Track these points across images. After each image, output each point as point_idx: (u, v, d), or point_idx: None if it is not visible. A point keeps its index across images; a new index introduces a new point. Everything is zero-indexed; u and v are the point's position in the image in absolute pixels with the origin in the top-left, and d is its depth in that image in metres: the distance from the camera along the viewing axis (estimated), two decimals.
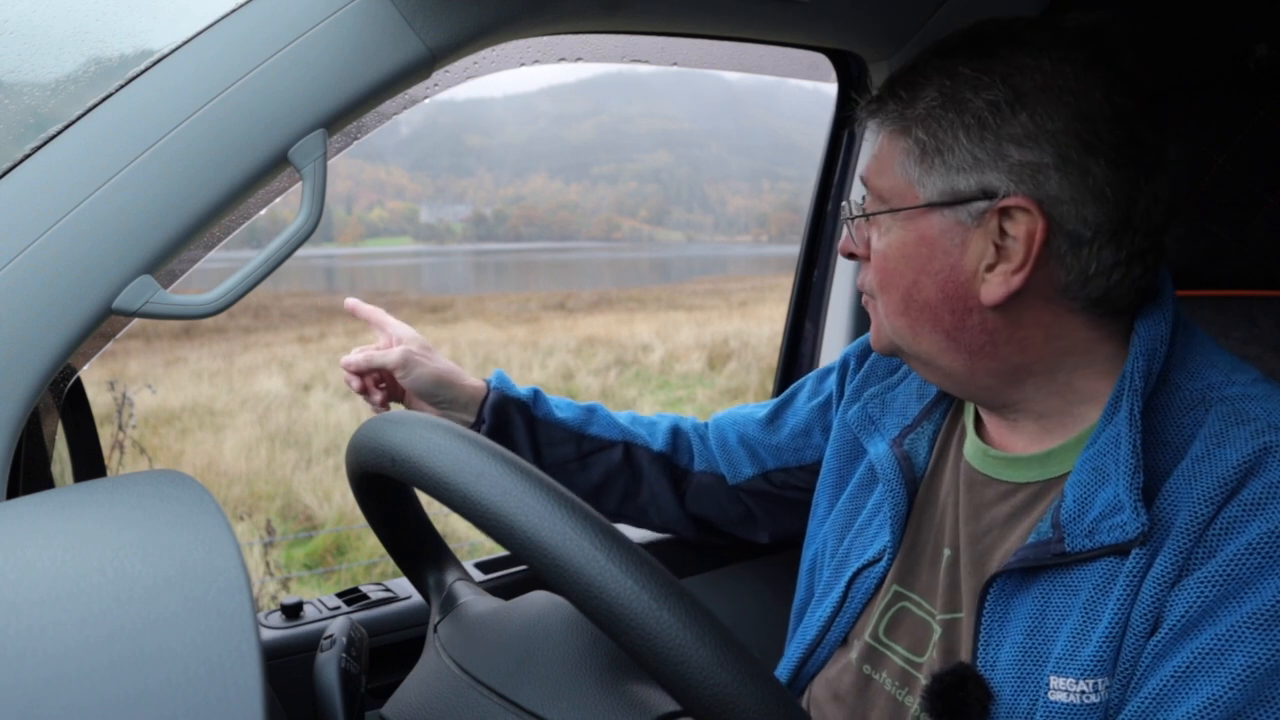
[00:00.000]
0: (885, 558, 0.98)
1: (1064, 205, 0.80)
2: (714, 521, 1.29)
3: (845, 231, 0.96)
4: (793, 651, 1.05)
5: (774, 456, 1.23)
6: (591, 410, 1.26)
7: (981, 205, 0.82)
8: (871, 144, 0.93)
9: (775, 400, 1.27)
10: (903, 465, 0.99)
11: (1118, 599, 0.76)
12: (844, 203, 0.96)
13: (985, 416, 0.95)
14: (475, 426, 1.18)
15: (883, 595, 0.97)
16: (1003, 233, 0.82)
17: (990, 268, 0.83)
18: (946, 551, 0.92)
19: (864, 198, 0.93)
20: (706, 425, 1.30)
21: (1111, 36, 0.83)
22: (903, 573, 0.97)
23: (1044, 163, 0.80)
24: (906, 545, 0.97)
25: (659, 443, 1.26)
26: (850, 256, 0.96)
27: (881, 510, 1.01)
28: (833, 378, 1.19)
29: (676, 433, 1.28)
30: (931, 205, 0.84)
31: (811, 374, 1.26)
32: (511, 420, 1.19)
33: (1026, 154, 0.80)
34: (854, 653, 0.98)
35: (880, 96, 0.89)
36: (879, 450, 1.02)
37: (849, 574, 1.00)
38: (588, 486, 1.24)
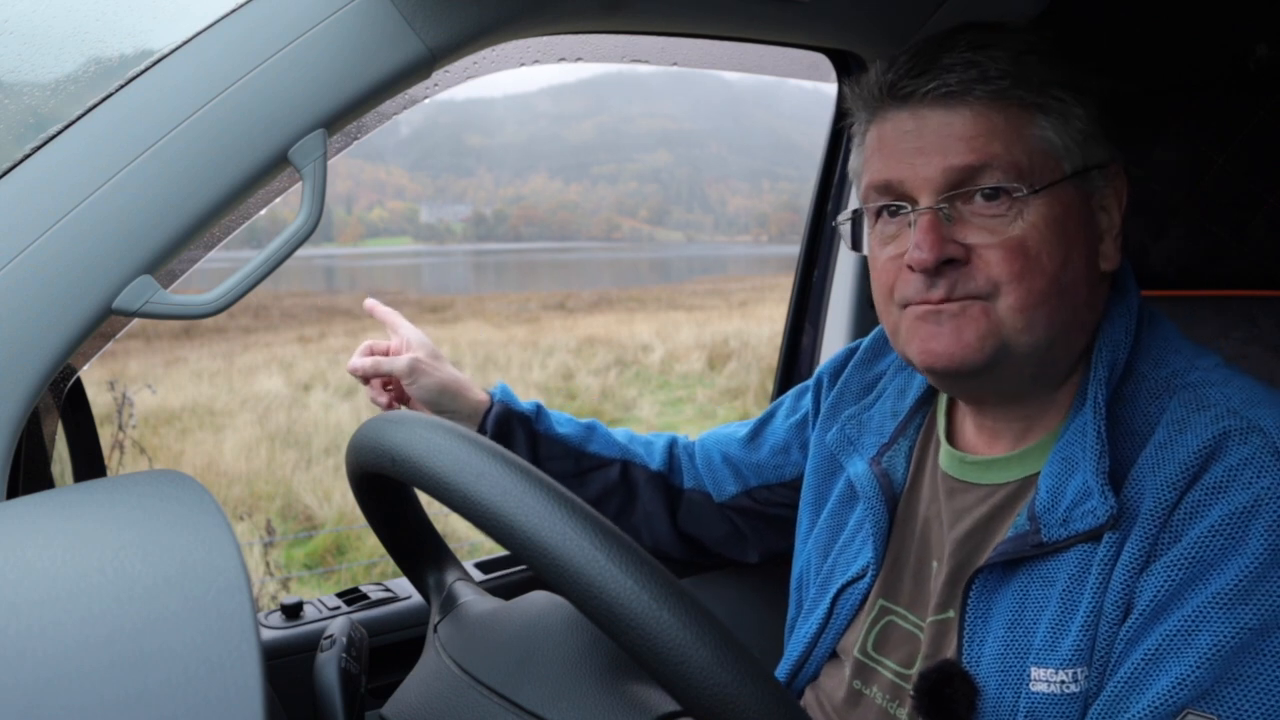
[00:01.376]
0: (869, 574, 0.98)
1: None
2: (704, 541, 1.28)
3: (925, 239, 0.82)
4: (782, 666, 1.05)
5: (755, 474, 1.23)
6: (591, 427, 1.26)
7: (1101, 172, 0.85)
8: (966, 116, 0.82)
9: (755, 419, 1.28)
10: (882, 483, 1.00)
11: (1092, 588, 0.77)
12: (939, 205, 0.83)
13: (973, 420, 0.95)
14: None
15: (868, 610, 0.98)
16: (1102, 199, 0.86)
17: (1102, 235, 0.86)
18: (935, 564, 0.93)
19: (992, 186, 0.81)
20: (694, 444, 1.30)
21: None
22: (887, 587, 0.97)
23: (1108, 130, 0.85)
24: (890, 560, 0.98)
25: (656, 461, 1.25)
26: (936, 270, 0.82)
27: (864, 527, 1.01)
28: (808, 396, 1.20)
29: (672, 452, 1.28)
30: (1075, 174, 0.84)
31: (790, 392, 1.26)
32: (513, 433, 1.19)
33: (1104, 121, 0.85)
34: (845, 669, 0.98)
35: (979, 72, 0.81)
36: (858, 469, 1.03)
37: (833, 590, 1.01)
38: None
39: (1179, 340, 0.88)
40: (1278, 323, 1.14)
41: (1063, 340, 0.85)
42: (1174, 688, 0.71)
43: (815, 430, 1.15)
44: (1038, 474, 0.86)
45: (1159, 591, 0.74)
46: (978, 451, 0.93)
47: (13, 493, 0.82)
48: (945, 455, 0.96)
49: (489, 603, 0.83)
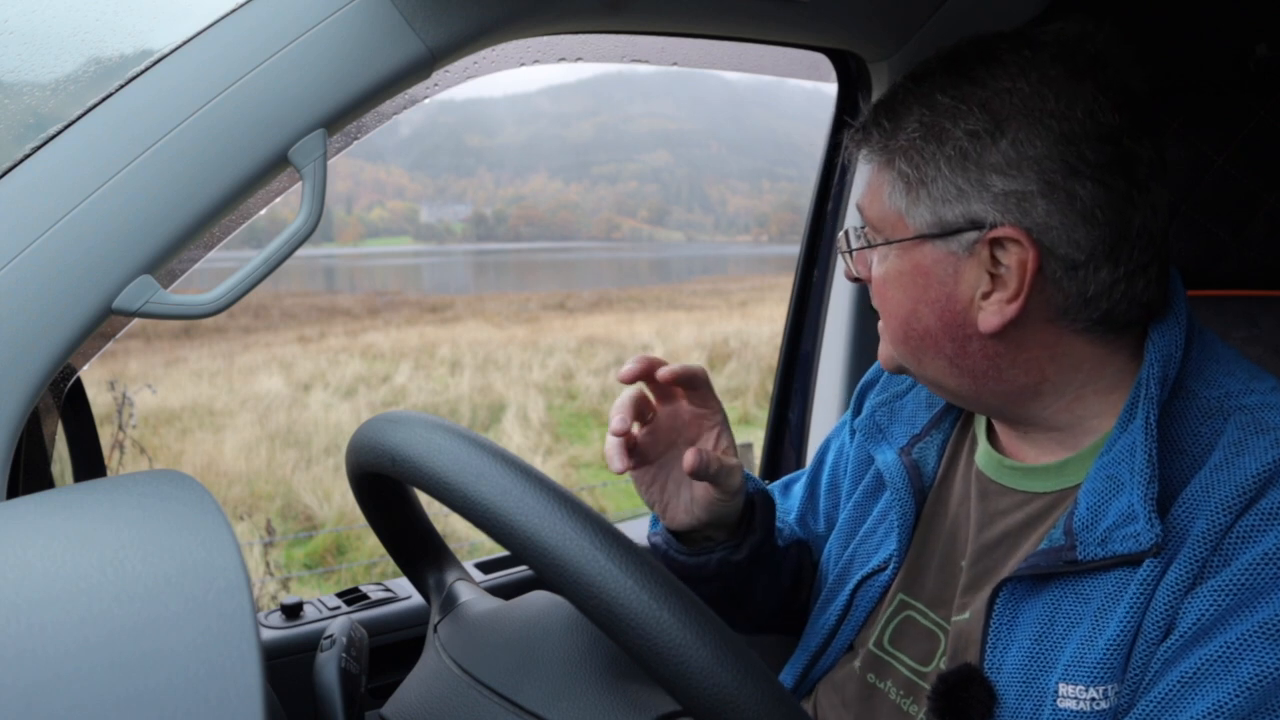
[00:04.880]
0: (891, 566, 0.97)
1: (1053, 231, 0.79)
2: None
3: (844, 260, 0.96)
4: (798, 658, 1.05)
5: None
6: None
7: (971, 236, 0.81)
8: (865, 168, 0.92)
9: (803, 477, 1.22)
10: (911, 474, 0.99)
11: (1129, 606, 0.76)
12: (840, 234, 0.95)
13: (998, 427, 0.94)
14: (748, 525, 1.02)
15: (887, 604, 0.97)
16: (996, 262, 0.81)
17: (986, 296, 0.82)
18: (962, 563, 0.92)
19: (862, 225, 0.92)
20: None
21: (1094, 46, 0.81)
22: (908, 581, 0.96)
23: (1028, 190, 0.78)
24: (913, 554, 0.97)
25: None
26: (856, 281, 0.95)
27: (888, 518, 1.00)
28: (848, 416, 1.17)
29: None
30: (922, 237, 0.83)
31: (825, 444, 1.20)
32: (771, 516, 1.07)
33: (1010, 183, 0.79)
34: (857, 661, 0.98)
35: (865, 126, 0.88)
36: (887, 458, 1.01)
37: (853, 582, 1.00)
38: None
39: (1233, 360, 0.85)
40: (1278, 323, 1.14)
41: (955, 379, 0.87)
42: (1210, 713, 0.70)
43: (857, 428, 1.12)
44: (1075, 488, 0.84)
45: (1203, 615, 0.73)
46: (1016, 456, 0.92)
47: (13, 493, 0.82)
48: (983, 454, 0.94)
49: (489, 603, 0.83)
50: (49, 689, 0.42)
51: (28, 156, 0.81)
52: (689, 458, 0.90)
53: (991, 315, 0.82)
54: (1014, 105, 0.79)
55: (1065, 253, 0.79)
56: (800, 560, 1.13)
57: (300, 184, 0.89)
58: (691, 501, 0.98)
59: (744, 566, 1.00)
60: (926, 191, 0.82)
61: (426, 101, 1.11)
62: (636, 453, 0.98)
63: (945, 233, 0.82)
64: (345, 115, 0.89)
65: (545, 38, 1.08)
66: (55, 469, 0.96)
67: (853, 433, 1.14)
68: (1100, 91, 0.79)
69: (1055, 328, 0.83)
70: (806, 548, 1.15)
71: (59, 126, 0.82)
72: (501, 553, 1.43)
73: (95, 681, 0.42)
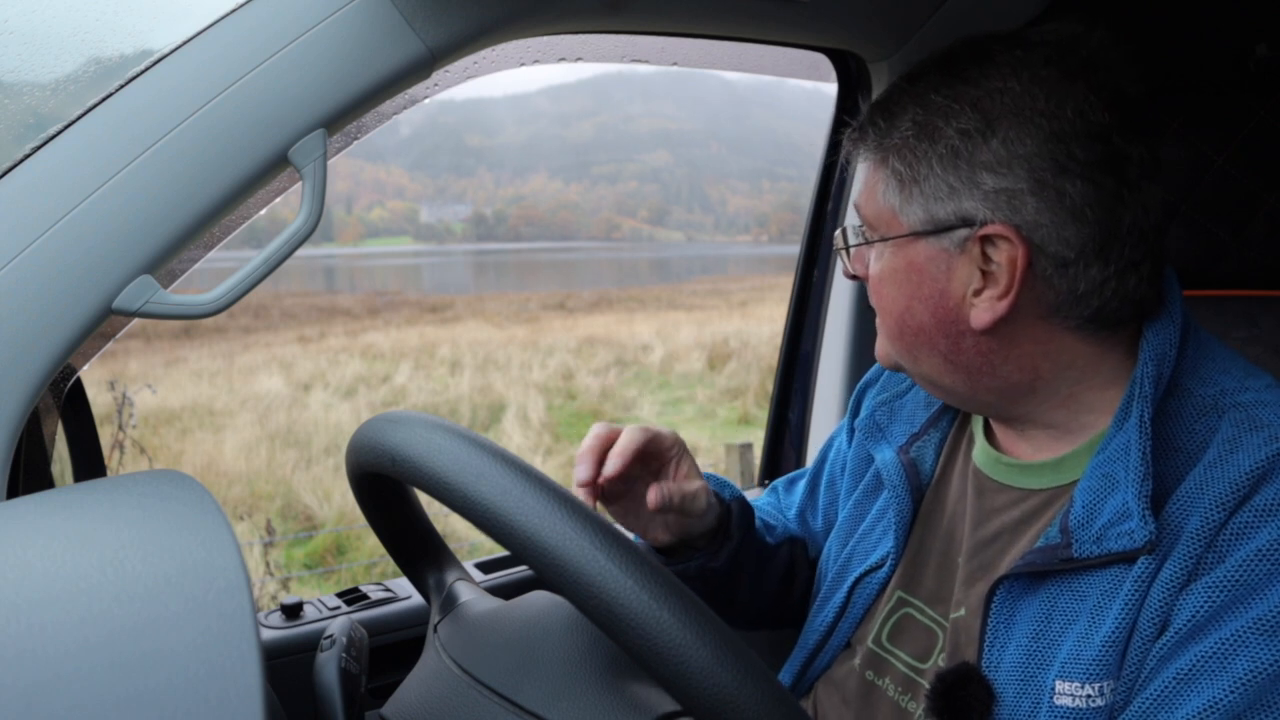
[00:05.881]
0: (888, 564, 0.98)
1: (1043, 229, 0.79)
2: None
3: (841, 258, 0.97)
4: (796, 655, 1.05)
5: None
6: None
7: (963, 233, 0.82)
8: (863, 167, 0.93)
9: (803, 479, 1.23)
10: (909, 472, 1.00)
11: (1124, 602, 0.76)
12: (837, 232, 0.97)
13: (995, 424, 0.95)
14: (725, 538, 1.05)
15: (885, 601, 0.98)
16: (987, 259, 0.82)
17: (978, 293, 0.83)
18: (959, 559, 0.92)
19: (860, 224, 0.92)
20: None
21: (1087, 48, 0.82)
22: (906, 579, 0.97)
23: (1018, 188, 0.79)
24: (911, 552, 0.97)
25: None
26: (854, 279, 0.96)
27: (886, 516, 1.01)
28: (847, 417, 1.17)
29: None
30: (915, 234, 0.84)
31: (826, 444, 1.21)
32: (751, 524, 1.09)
33: (1000, 180, 0.80)
34: (857, 658, 0.98)
35: (862, 126, 0.89)
36: (885, 457, 1.02)
37: (850, 580, 1.01)
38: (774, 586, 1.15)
39: (1227, 358, 0.86)
40: (1278, 323, 1.14)
41: (950, 376, 0.88)
42: (1205, 709, 0.70)
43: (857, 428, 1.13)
44: (1070, 485, 0.85)
45: (1197, 611, 0.73)
46: (1012, 453, 0.92)
47: (13, 493, 0.82)
48: (981, 452, 0.95)
49: (489, 603, 0.83)
50: (49, 689, 0.42)
51: (28, 156, 0.82)
52: (651, 495, 0.94)
53: (983, 312, 0.83)
54: (1005, 104, 0.80)
55: (1055, 250, 0.80)
56: (793, 557, 1.14)
57: (300, 184, 0.89)
58: (666, 524, 1.02)
59: (723, 571, 1.04)
60: (919, 189, 0.83)
61: (426, 101, 1.11)
62: (606, 495, 1.01)
63: (937, 230, 0.83)
64: (345, 115, 0.89)
65: (545, 38, 1.08)
66: (55, 469, 0.96)
67: (851, 432, 1.14)
68: (1091, 91, 0.80)
69: (1047, 324, 0.84)
70: (802, 545, 1.16)
71: (59, 126, 0.82)
72: (501, 553, 1.44)
73: (95, 681, 0.42)
